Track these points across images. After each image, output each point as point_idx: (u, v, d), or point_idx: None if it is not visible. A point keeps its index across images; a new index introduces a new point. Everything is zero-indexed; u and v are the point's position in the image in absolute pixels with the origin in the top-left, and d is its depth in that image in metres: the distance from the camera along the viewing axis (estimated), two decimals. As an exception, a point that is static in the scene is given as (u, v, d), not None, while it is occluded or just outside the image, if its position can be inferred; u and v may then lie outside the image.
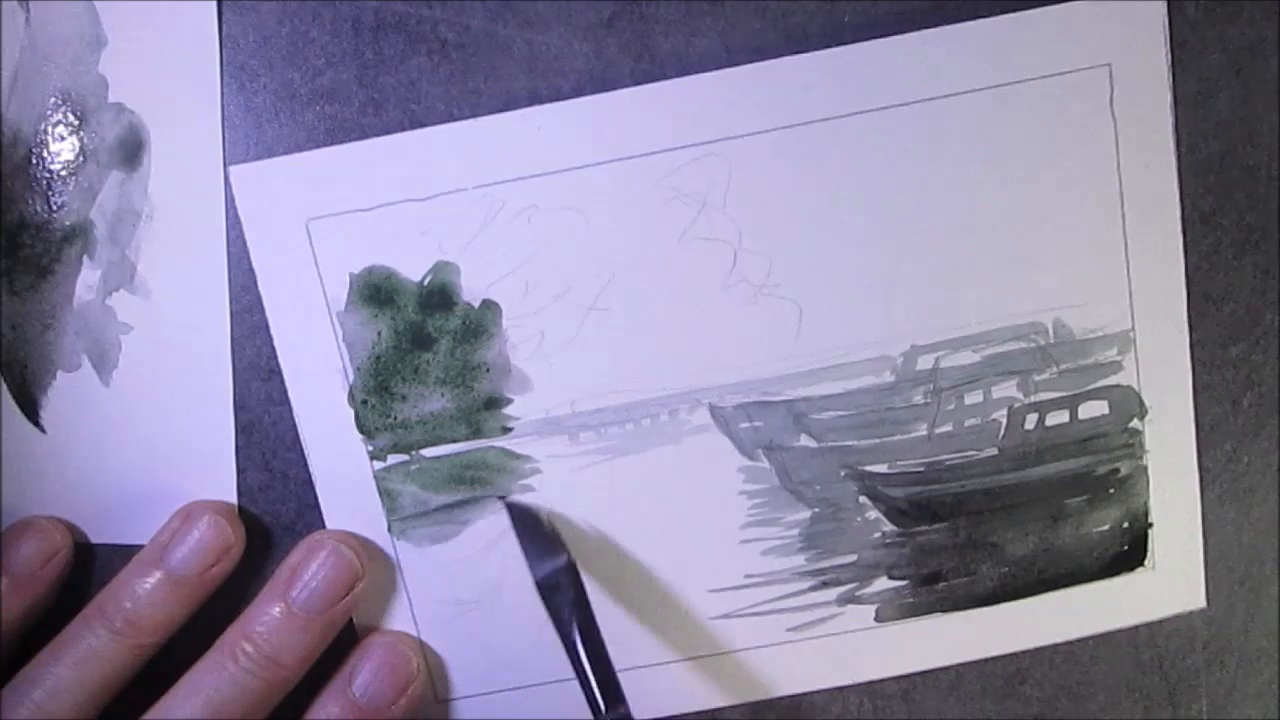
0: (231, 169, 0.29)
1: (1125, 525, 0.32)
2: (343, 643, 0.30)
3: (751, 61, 0.28)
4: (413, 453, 0.30)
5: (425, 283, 0.29)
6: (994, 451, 0.31)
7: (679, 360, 0.30)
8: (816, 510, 0.31)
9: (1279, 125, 0.30)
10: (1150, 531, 0.32)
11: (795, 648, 0.32)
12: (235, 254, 0.29)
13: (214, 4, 0.28)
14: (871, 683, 0.33)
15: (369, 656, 0.30)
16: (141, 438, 0.30)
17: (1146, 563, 0.32)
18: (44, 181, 0.29)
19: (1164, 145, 0.30)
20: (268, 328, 0.29)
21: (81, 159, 0.29)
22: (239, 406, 0.30)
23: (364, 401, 0.30)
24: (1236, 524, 0.33)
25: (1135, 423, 0.31)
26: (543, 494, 0.31)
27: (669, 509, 0.31)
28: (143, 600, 0.28)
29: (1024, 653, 0.33)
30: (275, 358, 0.30)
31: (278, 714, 0.29)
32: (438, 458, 0.30)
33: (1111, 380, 0.31)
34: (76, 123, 0.29)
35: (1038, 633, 0.33)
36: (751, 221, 0.29)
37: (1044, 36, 0.29)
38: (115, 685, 0.28)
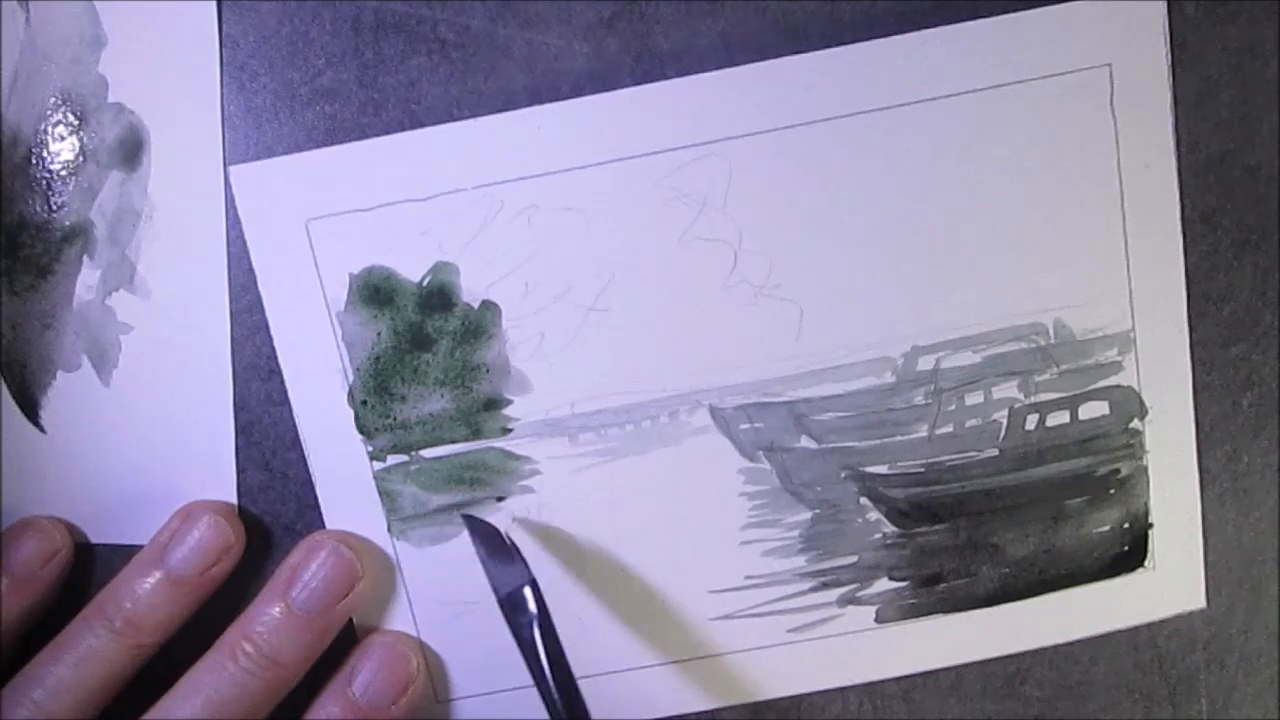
0: (231, 169, 0.29)
1: (1125, 526, 0.32)
2: (343, 643, 0.30)
3: (751, 61, 0.28)
4: (412, 453, 0.30)
5: (425, 283, 0.29)
6: (995, 452, 0.31)
7: (679, 361, 0.30)
8: (817, 511, 0.31)
9: (1279, 125, 0.30)
10: (1150, 532, 0.32)
11: (796, 649, 0.32)
12: (235, 254, 0.29)
13: (214, 4, 0.28)
14: (872, 683, 0.33)
15: (369, 656, 0.30)
16: (141, 438, 0.30)
17: (1147, 563, 0.32)
18: (44, 181, 0.29)
19: (1164, 145, 0.30)
20: (268, 328, 0.29)
21: (81, 159, 0.29)
22: (239, 406, 0.30)
23: (364, 402, 0.30)
24: (1236, 524, 0.33)
25: (1135, 423, 0.31)
26: (542, 495, 0.31)
27: (669, 510, 0.31)
28: (143, 600, 0.28)
29: (1024, 653, 0.33)
30: (275, 358, 0.30)
31: (278, 714, 0.29)
32: (437, 458, 0.30)
33: (1112, 380, 0.31)
34: (76, 123, 0.29)
35: (1038, 633, 0.33)
36: (752, 222, 0.29)
37: (1044, 36, 0.29)
38: (115, 685, 0.29)
